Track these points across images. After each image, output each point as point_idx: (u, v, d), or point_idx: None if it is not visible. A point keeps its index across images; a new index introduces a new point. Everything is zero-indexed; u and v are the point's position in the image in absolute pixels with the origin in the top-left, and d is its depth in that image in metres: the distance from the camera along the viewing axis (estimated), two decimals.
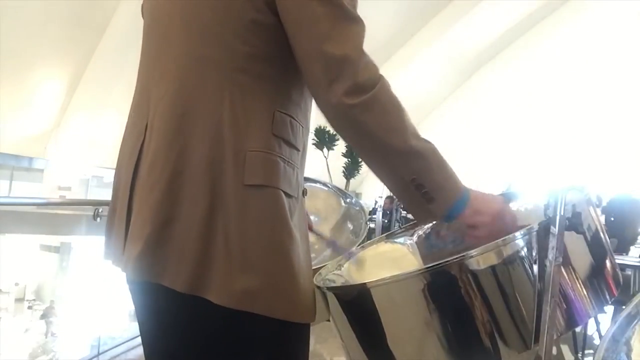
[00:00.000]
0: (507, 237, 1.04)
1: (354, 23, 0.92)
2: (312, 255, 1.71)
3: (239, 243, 0.86)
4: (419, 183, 0.90)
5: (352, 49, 0.88)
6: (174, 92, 0.92)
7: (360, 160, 6.32)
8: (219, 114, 0.88)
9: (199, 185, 0.87)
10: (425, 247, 1.61)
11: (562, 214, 1.05)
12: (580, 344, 3.21)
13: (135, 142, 0.97)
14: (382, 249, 1.62)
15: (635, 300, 1.19)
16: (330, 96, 0.86)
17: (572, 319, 1.12)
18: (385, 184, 0.93)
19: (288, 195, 0.91)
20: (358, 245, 1.65)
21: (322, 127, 5.68)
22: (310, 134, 1.07)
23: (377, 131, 0.88)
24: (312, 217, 1.28)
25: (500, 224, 1.02)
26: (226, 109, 0.88)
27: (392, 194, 0.94)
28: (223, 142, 0.87)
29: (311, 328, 1.02)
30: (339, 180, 5.17)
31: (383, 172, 0.92)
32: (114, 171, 1.06)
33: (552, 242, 1.04)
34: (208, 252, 0.85)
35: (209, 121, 0.89)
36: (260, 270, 0.86)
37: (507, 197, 1.69)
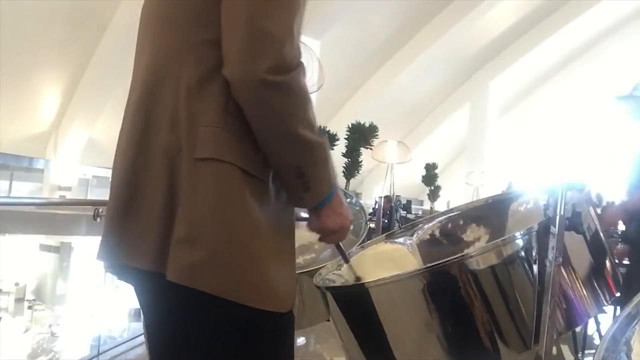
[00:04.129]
0: (506, 237, 1.04)
1: (291, 1, 0.91)
2: (312, 255, 1.72)
3: (189, 217, 0.87)
4: (302, 172, 0.92)
5: (282, 27, 0.87)
6: (142, 81, 0.97)
7: (360, 160, 6.28)
8: (176, 94, 0.91)
9: (159, 163, 0.90)
10: None
11: (562, 214, 1.05)
12: (580, 344, 3.21)
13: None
14: (382, 249, 1.62)
15: (635, 300, 1.19)
16: (250, 69, 0.85)
17: (572, 319, 1.12)
18: (271, 162, 0.94)
19: (248, 174, 0.90)
20: (358, 245, 1.65)
21: (321, 128, 5.68)
22: None
23: (281, 113, 0.89)
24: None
25: (344, 233, 1.03)
26: (183, 89, 0.91)
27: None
28: (180, 120, 0.90)
29: (311, 328, 1.01)
30: (339, 180, 5.15)
31: (274, 153, 0.93)
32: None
33: (552, 242, 1.04)
34: (167, 228, 0.87)
35: (168, 103, 0.92)
36: (206, 245, 0.86)
37: (507, 197, 1.69)
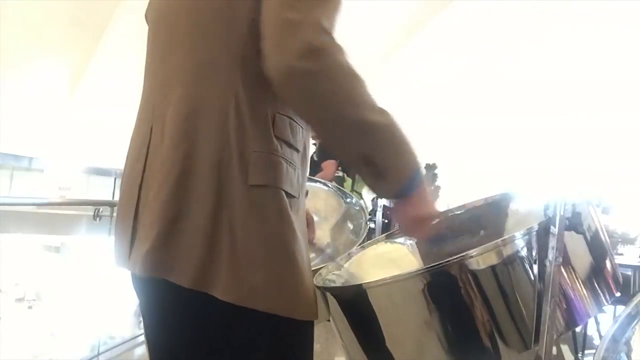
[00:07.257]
0: (506, 237, 1.04)
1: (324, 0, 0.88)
2: (312, 255, 1.72)
3: (243, 241, 0.87)
4: (370, 160, 0.86)
5: (311, 17, 0.84)
6: (180, 96, 0.92)
7: None
8: (224, 115, 0.89)
9: (206, 185, 0.88)
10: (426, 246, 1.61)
11: (562, 214, 1.05)
12: (580, 344, 3.21)
13: (141, 146, 0.98)
14: (382, 249, 1.62)
15: (635, 300, 1.19)
16: (281, 57, 0.82)
17: (572, 319, 1.12)
18: (337, 156, 0.92)
19: (289, 195, 0.92)
20: (358, 245, 1.65)
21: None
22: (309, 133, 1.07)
23: (329, 100, 0.83)
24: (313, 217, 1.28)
25: (428, 226, 0.99)
26: (232, 111, 0.89)
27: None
28: (229, 143, 0.88)
29: None
30: (337, 180, 5.14)
31: (333, 145, 0.89)
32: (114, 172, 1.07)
33: (552, 242, 1.04)
34: (214, 250, 0.87)
35: (215, 123, 0.89)
36: (264, 267, 0.88)
37: (507, 197, 1.69)
